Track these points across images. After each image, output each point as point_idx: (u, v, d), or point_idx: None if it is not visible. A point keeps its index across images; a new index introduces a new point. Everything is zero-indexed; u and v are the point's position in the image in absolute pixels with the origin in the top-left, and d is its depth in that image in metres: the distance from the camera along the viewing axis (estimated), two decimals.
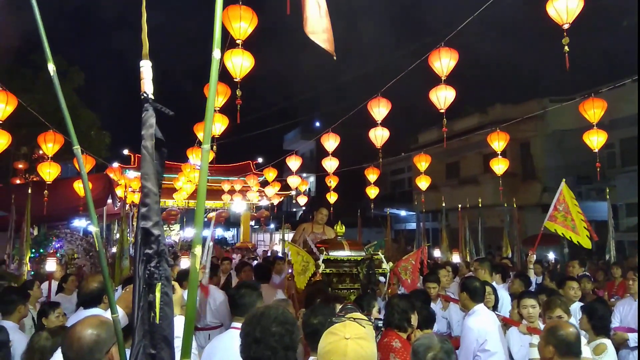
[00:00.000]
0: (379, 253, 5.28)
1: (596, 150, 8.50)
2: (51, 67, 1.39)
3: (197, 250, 1.36)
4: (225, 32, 5.84)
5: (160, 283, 1.42)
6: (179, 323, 1.59)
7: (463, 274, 7.99)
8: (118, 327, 1.61)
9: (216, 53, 1.39)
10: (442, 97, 7.33)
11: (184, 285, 3.58)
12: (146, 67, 1.46)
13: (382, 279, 5.58)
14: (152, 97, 1.46)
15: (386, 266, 5.16)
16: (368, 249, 5.37)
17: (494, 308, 5.04)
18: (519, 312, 4.41)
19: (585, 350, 3.67)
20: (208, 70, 1.47)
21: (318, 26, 2.65)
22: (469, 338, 4.06)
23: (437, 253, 12.74)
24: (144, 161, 1.44)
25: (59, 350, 2.25)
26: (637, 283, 5.38)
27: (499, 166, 10.73)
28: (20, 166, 16.22)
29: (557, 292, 4.98)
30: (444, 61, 6.83)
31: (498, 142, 10.22)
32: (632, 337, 5.02)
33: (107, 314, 2.38)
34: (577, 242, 6.84)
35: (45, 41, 1.37)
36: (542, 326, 4.08)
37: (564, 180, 6.97)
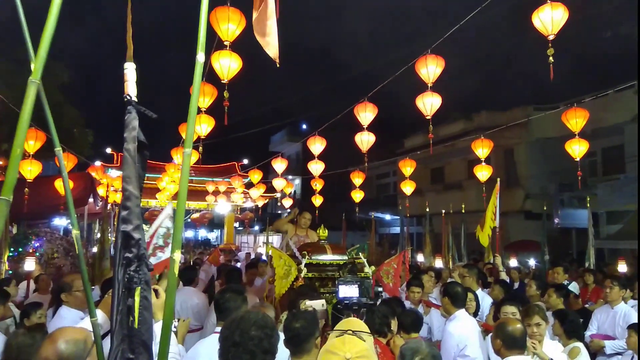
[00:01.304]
0: (361, 256, 5.29)
1: (577, 159, 8.63)
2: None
3: (176, 255, 1.35)
4: (213, 33, 5.81)
5: (139, 287, 1.41)
6: (160, 329, 1.57)
7: (445, 279, 8.05)
8: (97, 331, 1.59)
9: (200, 56, 1.39)
10: (429, 103, 7.38)
11: None
12: (130, 69, 1.45)
13: None
14: (136, 100, 1.45)
15: (368, 270, 5.17)
16: (350, 253, 5.38)
17: (475, 314, 5.09)
18: (495, 318, 4.45)
19: (563, 358, 3.73)
20: (194, 70, 1.46)
21: (263, 29, 2.63)
22: (450, 343, 4.09)
23: (420, 258, 12.82)
24: (125, 164, 1.43)
25: None
26: (614, 291, 5.46)
27: (483, 173, 10.83)
28: (1, 163, 15.93)
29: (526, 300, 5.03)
30: (430, 68, 6.89)
31: (482, 149, 10.32)
32: (609, 345, 5.11)
33: (86, 321, 2.33)
34: (477, 236, 7.19)
35: (29, 43, 1.34)
36: None
37: (498, 179, 7.42)
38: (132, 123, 1.43)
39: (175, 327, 3.55)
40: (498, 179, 7.68)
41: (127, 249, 1.41)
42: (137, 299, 1.40)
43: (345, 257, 5.13)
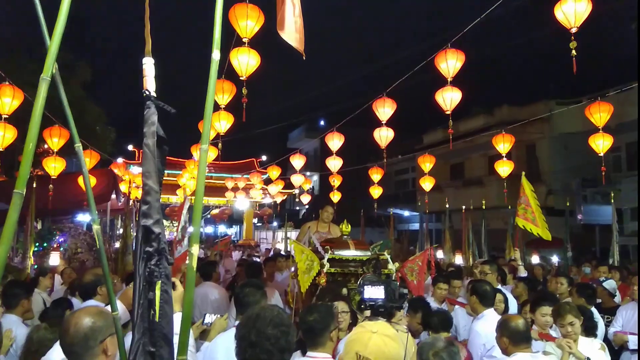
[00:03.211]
0: (385, 253, 5.22)
1: (601, 154, 8.45)
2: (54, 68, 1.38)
3: (194, 249, 1.36)
4: (231, 30, 5.83)
5: (160, 281, 1.42)
6: (178, 320, 1.59)
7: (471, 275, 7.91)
8: (118, 325, 1.61)
9: (215, 54, 1.39)
10: (448, 98, 7.30)
11: None
12: (149, 64, 1.46)
13: None
14: (155, 95, 1.46)
15: (392, 267, 5.09)
16: (374, 249, 5.32)
17: (505, 313, 4.99)
18: (531, 319, 4.31)
19: (601, 355, 3.67)
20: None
21: (291, 25, 2.72)
22: (476, 343, 4.02)
23: (440, 254, 12.71)
24: (145, 159, 1.44)
25: (58, 342, 2.25)
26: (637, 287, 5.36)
27: (504, 168, 10.67)
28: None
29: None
30: (450, 62, 6.80)
31: (503, 144, 10.15)
32: (632, 340, 5.00)
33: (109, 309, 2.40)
34: (537, 233, 6.97)
35: (48, 41, 1.36)
36: (553, 333, 4.03)
37: (523, 173, 7.21)
38: (151, 118, 1.44)
39: (209, 323, 3.54)
40: (523, 173, 7.53)
41: (148, 243, 1.42)
42: (157, 292, 1.41)
43: (369, 253, 5.06)
